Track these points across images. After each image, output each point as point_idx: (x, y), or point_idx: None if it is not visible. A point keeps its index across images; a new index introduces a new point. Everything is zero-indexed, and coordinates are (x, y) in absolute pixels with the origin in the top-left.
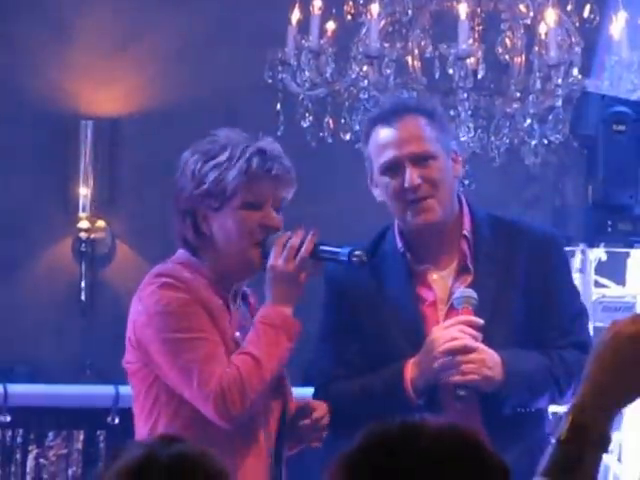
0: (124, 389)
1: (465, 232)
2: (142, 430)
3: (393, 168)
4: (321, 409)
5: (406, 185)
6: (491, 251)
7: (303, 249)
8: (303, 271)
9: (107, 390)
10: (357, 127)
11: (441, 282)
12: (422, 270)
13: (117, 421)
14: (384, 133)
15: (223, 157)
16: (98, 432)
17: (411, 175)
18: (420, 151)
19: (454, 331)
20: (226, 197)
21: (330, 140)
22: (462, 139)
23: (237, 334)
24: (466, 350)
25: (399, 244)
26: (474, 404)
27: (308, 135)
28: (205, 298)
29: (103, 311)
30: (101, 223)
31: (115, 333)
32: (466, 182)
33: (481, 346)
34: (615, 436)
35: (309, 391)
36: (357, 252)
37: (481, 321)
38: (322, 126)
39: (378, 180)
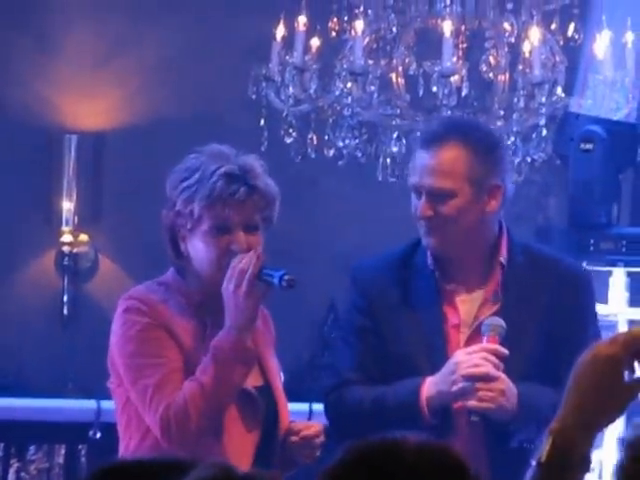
0: (106, 404)
1: (502, 259)
2: (121, 446)
3: (415, 191)
4: (313, 428)
5: (417, 214)
6: (522, 282)
7: (248, 272)
8: (252, 294)
9: (89, 404)
10: (340, 143)
11: (468, 305)
12: (450, 290)
13: (99, 435)
14: (419, 154)
15: (194, 178)
16: (80, 446)
17: (423, 206)
18: (437, 187)
19: (478, 357)
20: (195, 219)
21: (313, 156)
22: None
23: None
24: (487, 378)
25: (429, 260)
26: (480, 433)
27: (291, 151)
28: (172, 321)
29: (85, 325)
30: (84, 237)
31: (97, 347)
32: None
33: (502, 376)
34: (596, 454)
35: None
36: (287, 277)
37: (506, 351)
38: (305, 142)
39: (409, 187)
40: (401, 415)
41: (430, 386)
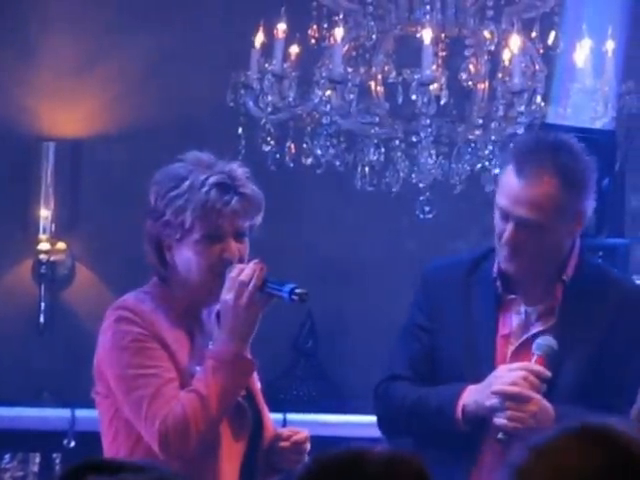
0: (81, 412)
1: (565, 277)
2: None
3: (502, 214)
4: (302, 434)
5: (502, 239)
6: (582, 302)
7: (251, 284)
8: (253, 306)
9: (64, 413)
10: (319, 152)
11: (522, 317)
12: (509, 300)
13: (73, 444)
14: (512, 179)
15: (183, 188)
16: (54, 455)
17: (510, 233)
18: (529, 218)
19: (517, 376)
20: (185, 229)
21: (291, 165)
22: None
23: (197, 368)
24: (519, 398)
25: (495, 268)
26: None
27: (269, 159)
28: (163, 331)
29: (62, 334)
30: (61, 245)
31: (74, 356)
32: (426, 209)
33: (537, 398)
34: None
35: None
36: (298, 290)
37: (549, 374)
38: (283, 150)
39: (496, 202)
40: (438, 418)
41: (469, 393)
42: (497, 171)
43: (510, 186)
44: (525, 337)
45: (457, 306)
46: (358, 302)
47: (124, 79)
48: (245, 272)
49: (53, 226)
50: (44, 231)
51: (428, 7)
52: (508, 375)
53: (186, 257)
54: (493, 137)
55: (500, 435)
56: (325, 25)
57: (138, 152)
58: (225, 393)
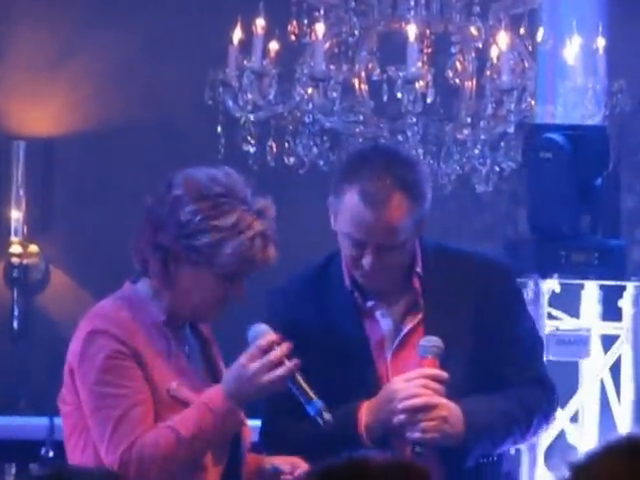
0: (60, 421)
1: (418, 269)
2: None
3: (356, 243)
4: (302, 467)
5: (361, 265)
6: (440, 286)
7: (281, 371)
8: (268, 388)
9: (41, 422)
10: (301, 151)
11: (389, 319)
12: (369, 307)
13: (51, 454)
14: (360, 208)
15: (226, 224)
16: (31, 465)
17: (371, 260)
18: (390, 243)
19: (416, 386)
20: (211, 263)
21: (273, 164)
22: None
23: (173, 384)
24: (427, 408)
25: (346, 281)
26: (434, 455)
27: (250, 159)
28: (141, 344)
29: (37, 340)
30: (34, 248)
31: (49, 362)
32: None
33: (443, 402)
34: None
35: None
36: (326, 416)
37: (445, 375)
38: (265, 150)
39: (338, 228)
40: (341, 442)
41: (367, 412)
42: (486, 170)
43: (361, 216)
44: (399, 338)
45: (313, 328)
46: None
47: (97, 76)
48: (276, 354)
49: (25, 228)
50: (15, 233)
51: (412, 2)
52: (407, 387)
53: (194, 280)
54: (482, 136)
55: (417, 448)
56: (305, 21)
57: (112, 151)
58: (204, 440)
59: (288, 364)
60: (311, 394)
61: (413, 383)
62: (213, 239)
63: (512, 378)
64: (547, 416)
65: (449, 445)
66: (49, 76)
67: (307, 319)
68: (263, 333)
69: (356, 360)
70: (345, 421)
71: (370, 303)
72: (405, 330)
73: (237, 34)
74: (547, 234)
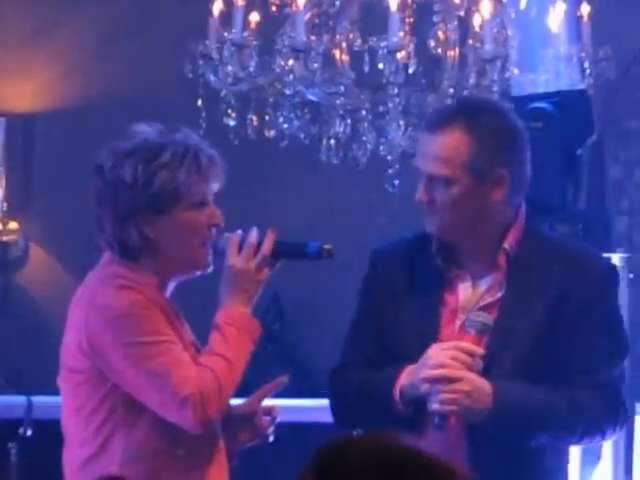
0: (38, 399)
1: (506, 246)
2: (82, 449)
3: (419, 174)
4: (277, 409)
5: (421, 205)
6: (528, 271)
7: (264, 247)
8: (263, 270)
9: (19, 400)
10: (282, 124)
11: (470, 292)
12: (453, 276)
13: (30, 433)
14: (422, 136)
15: (166, 157)
16: (10, 445)
17: (421, 191)
18: (434, 173)
19: (446, 356)
20: (176, 198)
21: (254, 137)
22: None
23: (193, 337)
24: (449, 380)
25: (434, 245)
26: (460, 431)
27: (231, 132)
28: (160, 300)
29: (17, 317)
30: (14, 225)
31: (30, 340)
32: (396, 182)
33: (469, 376)
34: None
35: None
36: (327, 246)
37: (480, 351)
38: (245, 123)
39: None
40: (380, 401)
41: (406, 376)
42: None
43: (420, 144)
44: (466, 321)
45: (403, 286)
46: (325, 281)
47: (77, 51)
48: (252, 235)
49: (5, 205)
50: None
51: None
52: (437, 356)
53: (171, 229)
54: None
55: (436, 420)
56: None
57: (93, 127)
58: (242, 357)
59: (268, 236)
60: (303, 244)
61: (443, 353)
62: (164, 176)
63: (575, 379)
64: (603, 427)
65: (474, 421)
66: (28, 52)
67: (397, 280)
68: (238, 235)
69: (426, 325)
70: (389, 379)
71: (453, 272)
72: (481, 304)
73: (217, 5)
74: (531, 205)
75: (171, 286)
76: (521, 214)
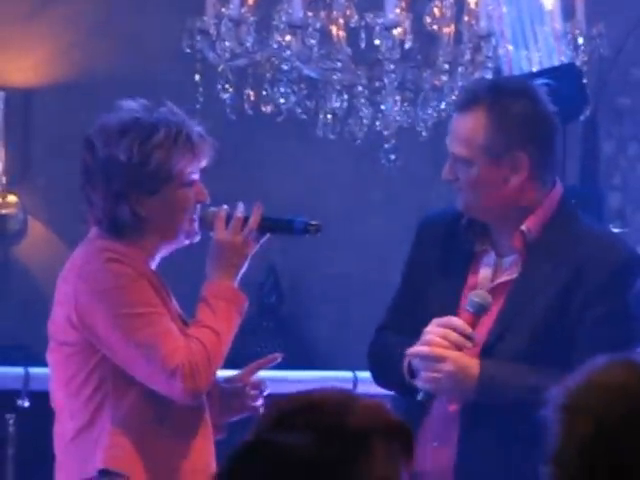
0: (35, 370)
1: (523, 228)
2: (72, 421)
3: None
4: (265, 382)
5: (442, 174)
6: (547, 255)
7: (251, 221)
8: (250, 243)
9: (16, 371)
10: (279, 99)
11: (491, 269)
12: (481, 252)
13: (27, 404)
14: (453, 118)
15: (160, 137)
16: (7, 416)
17: (446, 170)
18: (457, 154)
19: (435, 334)
20: (169, 178)
21: (251, 112)
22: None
23: (180, 310)
24: (432, 358)
25: (464, 220)
26: (455, 415)
27: (228, 108)
28: (148, 273)
29: (15, 291)
30: (12, 198)
31: (28, 313)
32: (392, 157)
33: (452, 356)
34: None
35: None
36: (313, 222)
37: (469, 330)
38: (242, 98)
39: None
40: (396, 370)
41: (414, 347)
42: None
43: (450, 126)
44: (485, 289)
45: (438, 257)
46: (321, 254)
47: (76, 25)
48: (239, 210)
49: (3, 178)
50: None
51: None
52: (426, 333)
53: (162, 207)
54: (460, 83)
55: (420, 396)
56: None
57: (91, 101)
58: (230, 329)
59: (255, 210)
60: (289, 219)
61: (435, 330)
62: (159, 156)
63: (571, 364)
64: None
65: (459, 402)
66: (28, 26)
67: (435, 251)
68: (224, 209)
69: (447, 298)
70: (404, 349)
71: (481, 249)
72: (496, 282)
73: None
74: None
75: (157, 259)
76: (551, 198)
